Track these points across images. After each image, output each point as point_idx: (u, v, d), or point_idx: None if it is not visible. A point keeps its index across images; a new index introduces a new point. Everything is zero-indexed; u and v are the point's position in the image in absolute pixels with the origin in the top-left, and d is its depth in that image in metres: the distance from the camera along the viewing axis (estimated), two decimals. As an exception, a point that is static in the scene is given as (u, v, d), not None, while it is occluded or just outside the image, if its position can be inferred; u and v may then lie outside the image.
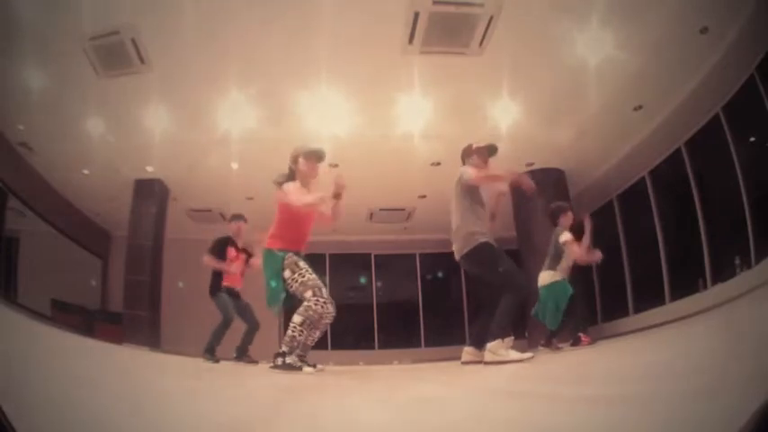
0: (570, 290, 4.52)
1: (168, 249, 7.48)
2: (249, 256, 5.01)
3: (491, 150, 3.61)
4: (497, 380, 2.15)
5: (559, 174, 7.42)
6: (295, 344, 2.92)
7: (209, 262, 4.79)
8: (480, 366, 3.10)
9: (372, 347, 9.73)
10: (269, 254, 3.09)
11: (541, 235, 7.11)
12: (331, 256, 9.89)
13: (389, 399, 1.53)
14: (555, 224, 4.69)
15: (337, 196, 3.13)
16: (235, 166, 6.87)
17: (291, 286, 2.98)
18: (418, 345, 9.84)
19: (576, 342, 4.65)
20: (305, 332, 2.94)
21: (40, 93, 5.33)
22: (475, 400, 1.40)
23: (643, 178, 7.07)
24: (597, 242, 4.86)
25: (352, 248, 9.89)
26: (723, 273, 5.40)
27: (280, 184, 3.18)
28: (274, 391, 1.85)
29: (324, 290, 2.95)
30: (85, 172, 6.98)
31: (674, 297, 6.26)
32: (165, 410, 1.15)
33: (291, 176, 3.22)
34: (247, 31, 4.71)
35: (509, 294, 3.20)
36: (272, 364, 2.95)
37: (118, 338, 6.40)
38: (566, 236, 4.51)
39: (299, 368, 2.91)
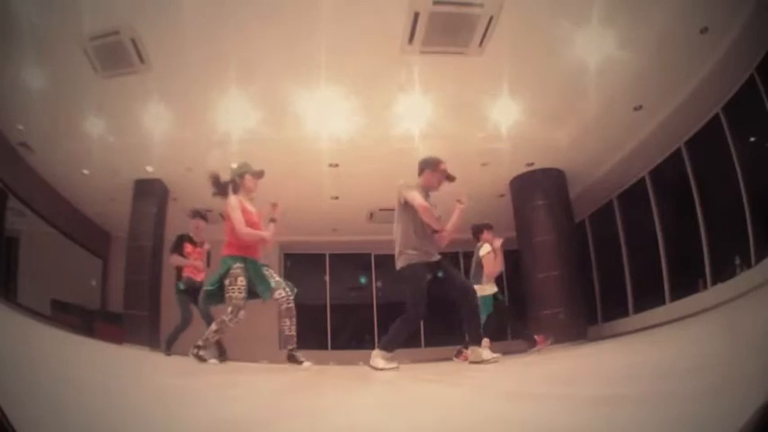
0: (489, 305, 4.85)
1: (168, 249, 7.47)
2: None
3: (449, 179, 3.60)
4: (498, 380, 2.15)
5: (559, 174, 7.42)
6: (209, 343, 3.55)
7: (175, 261, 5.04)
8: (481, 366, 3.10)
9: (372, 347, 9.68)
10: (222, 260, 3.49)
11: (541, 235, 7.16)
12: (331, 256, 9.88)
13: (389, 399, 1.53)
14: (477, 240, 5.09)
15: (273, 220, 3.72)
16: (235, 166, 6.86)
17: (226, 292, 3.40)
18: (418, 345, 9.83)
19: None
20: (217, 335, 3.51)
21: (40, 93, 5.33)
22: (475, 400, 1.40)
23: (643, 178, 7.07)
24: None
25: (352, 248, 9.88)
26: (723, 273, 5.40)
27: (217, 194, 3.56)
28: (274, 390, 1.85)
29: (240, 312, 3.38)
30: (85, 172, 6.97)
31: (674, 297, 6.26)
32: (164, 410, 1.15)
33: (234, 189, 3.59)
34: (247, 31, 4.71)
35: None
36: (191, 353, 3.49)
37: (118, 338, 6.40)
38: (485, 249, 4.95)
39: (205, 360, 3.51)
